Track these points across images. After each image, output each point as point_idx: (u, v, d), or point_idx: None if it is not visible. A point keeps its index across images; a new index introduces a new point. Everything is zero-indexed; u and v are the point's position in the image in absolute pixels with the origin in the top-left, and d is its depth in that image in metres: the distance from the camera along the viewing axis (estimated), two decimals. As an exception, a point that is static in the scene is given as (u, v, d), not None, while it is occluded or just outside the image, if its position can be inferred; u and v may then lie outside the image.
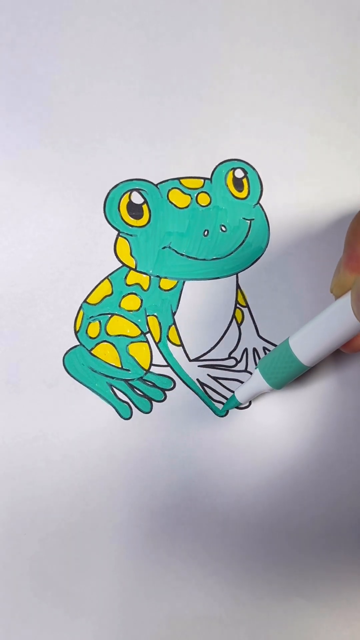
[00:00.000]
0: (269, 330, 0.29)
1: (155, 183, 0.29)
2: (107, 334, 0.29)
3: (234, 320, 0.29)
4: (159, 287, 0.29)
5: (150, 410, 0.28)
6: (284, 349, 0.25)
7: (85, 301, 0.29)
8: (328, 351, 0.25)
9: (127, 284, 0.29)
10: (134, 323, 0.29)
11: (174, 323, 0.29)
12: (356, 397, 0.29)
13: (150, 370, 0.29)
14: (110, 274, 0.29)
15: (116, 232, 0.29)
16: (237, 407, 0.28)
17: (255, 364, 0.29)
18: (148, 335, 0.29)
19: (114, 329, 0.29)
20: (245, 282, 0.29)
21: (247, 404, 0.28)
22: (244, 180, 0.29)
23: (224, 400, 0.28)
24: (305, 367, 0.25)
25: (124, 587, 0.28)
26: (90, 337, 0.29)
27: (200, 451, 0.28)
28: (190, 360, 0.29)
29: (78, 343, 0.29)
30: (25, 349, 0.28)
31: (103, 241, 0.29)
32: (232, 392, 0.28)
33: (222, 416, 0.28)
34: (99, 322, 0.29)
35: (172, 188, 0.29)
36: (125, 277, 0.29)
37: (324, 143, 0.29)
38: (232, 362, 0.29)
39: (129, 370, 0.29)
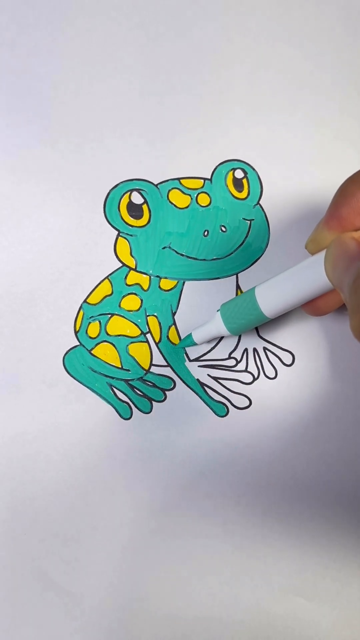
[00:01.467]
0: (269, 330, 0.29)
1: (155, 183, 0.29)
2: (107, 334, 0.29)
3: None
4: (159, 287, 0.29)
5: (150, 410, 0.28)
6: (249, 296, 0.25)
7: (85, 301, 0.29)
8: (291, 305, 0.24)
9: (127, 284, 0.29)
10: (134, 323, 0.29)
11: (174, 323, 0.29)
12: (356, 397, 0.29)
13: (150, 370, 0.29)
14: (110, 274, 0.29)
15: (116, 232, 0.29)
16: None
17: (256, 364, 0.29)
18: (148, 336, 0.29)
19: (114, 329, 0.29)
20: (245, 282, 0.29)
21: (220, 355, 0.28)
22: (244, 181, 0.29)
23: (224, 401, 0.28)
24: (266, 317, 0.25)
25: (124, 587, 0.28)
26: (90, 337, 0.29)
27: (200, 451, 0.28)
28: (190, 360, 0.29)
29: (78, 343, 0.29)
30: (25, 349, 0.28)
31: (103, 241, 0.29)
32: (232, 392, 0.29)
33: (222, 416, 0.28)
34: (99, 322, 0.29)
35: (172, 188, 0.29)
36: (125, 277, 0.29)
37: (324, 143, 0.29)
38: (232, 362, 0.29)
39: (129, 370, 0.29)
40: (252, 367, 0.29)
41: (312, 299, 0.24)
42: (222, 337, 0.29)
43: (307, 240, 0.25)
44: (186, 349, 0.29)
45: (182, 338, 0.28)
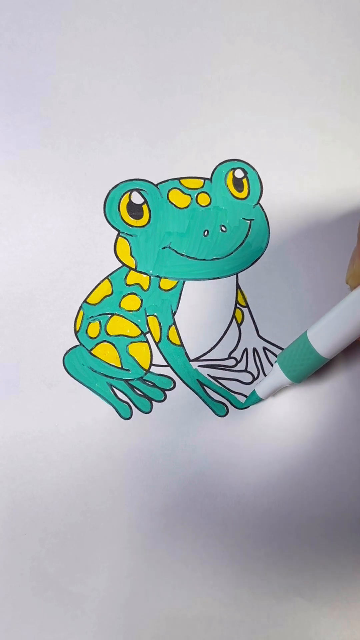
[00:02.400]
0: (269, 330, 0.29)
1: (155, 183, 0.29)
2: (107, 334, 0.29)
3: (234, 320, 0.29)
4: (159, 287, 0.29)
5: (150, 410, 0.28)
6: (303, 341, 0.25)
7: (85, 301, 0.29)
8: (346, 342, 0.25)
9: (127, 284, 0.29)
10: (134, 323, 0.29)
11: (174, 323, 0.29)
12: (356, 397, 0.29)
13: (150, 370, 0.29)
14: (110, 274, 0.29)
15: (116, 232, 0.29)
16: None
17: (256, 364, 0.29)
18: (148, 335, 0.29)
19: (114, 329, 0.29)
20: (245, 282, 0.29)
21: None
22: (244, 181, 0.29)
23: (224, 401, 0.28)
24: (324, 359, 0.25)
25: (124, 587, 0.28)
26: (90, 337, 0.29)
27: (200, 451, 0.28)
28: (190, 360, 0.29)
29: (78, 343, 0.29)
30: (25, 349, 0.28)
31: (103, 241, 0.29)
32: (232, 392, 0.29)
33: (222, 416, 0.28)
34: (99, 322, 0.29)
35: (172, 188, 0.29)
36: (125, 277, 0.29)
37: (324, 143, 0.29)
38: (232, 362, 0.29)
39: (129, 370, 0.29)
40: (252, 367, 0.29)
41: None
42: (221, 338, 0.29)
43: (347, 276, 0.25)
44: (186, 348, 0.29)
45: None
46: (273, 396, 0.28)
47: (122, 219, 0.29)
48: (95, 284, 0.29)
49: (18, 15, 0.29)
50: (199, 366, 0.29)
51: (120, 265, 0.29)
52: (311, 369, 0.26)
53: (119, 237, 0.29)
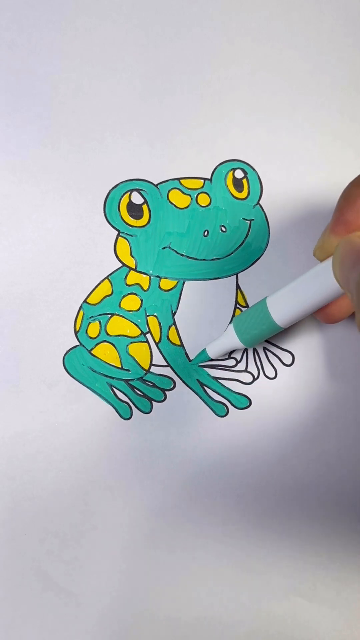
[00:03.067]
0: (269, 330, 0.29)
1: (155, 183, 0.29)
2: (107, 334, 0.29)
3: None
4: (159, 287, 0.29)
5: (150, 410, 0.28)
6: (261, 307, 0.25)
7: (85, 301, 0.29)
8: (304, 314, 0.25)
9: (127, 284, 0.29)
10: (134, 323, 0.29)
11: (174, 323, 0.29)
12: (356, 397, 0.29)
13: (150, 370, 0.29)
14: (110, 274, 0.29)
15: (116, 232, 0.29)
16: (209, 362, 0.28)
17: (256, 364, 0.29)
18: (148, 336, 0.29)
19: (114, 329, 0.29)
20: (245, 282, 0.29)
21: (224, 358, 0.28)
22: (244, 181, 0.29)
23: (224, 401, 0.28)
24: (279, 327, 0.25)
25: (124, 587, 0.28)
26: (90, 337, 0.29)
27: (200, 451, 0.28)
28: (190, 360, 0.29)
29: (78, 343, 0.29)
30: (25, 349, 0.28)
31: (103, 241, 0.29)
32: (232, 392, 0.29)
33: (222, 416, 0.28)
34: (99, 322, 0.29)
35: (172, 188, 0.29)
36: (125, 277, 0.29)
37: (324, 143, 0.29)
38: (232, 362, 0.29)
39: (129, 370, 0.29)
40: (252, 367, 0.29)
41: (323, 305, 0.24)
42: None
43: (315, 247, 0.25)
44: (186, 348, 0.29)
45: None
46: (222, 357, 0.28)
47: (122, 219, 0.29)
48: (95, 284, 0.29)
49: (18, 15, 0.29)
50: (199, 366, 0.29)
51: (120, 265, 0.29)
52: (264, 335, 0.26)
53: (119, 237, 0.29)
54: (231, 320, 0.28)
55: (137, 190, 0.29)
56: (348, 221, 0.23)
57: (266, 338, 0.26)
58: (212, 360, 0.28)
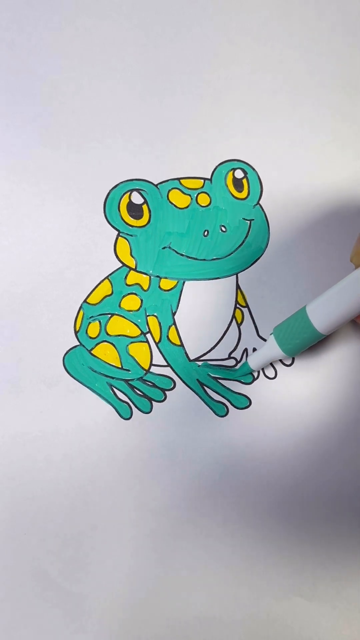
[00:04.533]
0: (269, 330, 0.29)
1: (155, 183, 0.29)
2: (107, 334, 0.29)
3: (234, 320, 0.29)
4: (159, 287, 0.29)
5: (150, 410, 0.28)
6: (301, 315, 0.25)
7: (85, 301, 0.29)
8: (345, 319, 0.25)
9: (127, 284, 0.29)
10: (134, 323, 0.29)
11: (174, 323, 0.29)
12: (356, 397, 0.29)
13: (150, 370, 0.29)
14: (110, 274, 0.29)
15: (116, 232, 0.29)
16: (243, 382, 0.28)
17: (255, 364, 0.29)
18: (148, 335, 0.29)
19: (114, 329, 0.29)
20: (245, 282, 0.29)
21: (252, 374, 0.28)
22: (244, 181, 0.29)
23: (224, 401, 0.28)
24: (321, 334, 0.25)
25: (124, 587, 0.28)
26: (90, 337, 0.29)
27: (200, 451, 0.28)
28: (190, 360, 0.29)
29: (78, 343, 0.29)
30: (25, 349, 0.28)
31: (103, 241, 0.29)
32: (232, 392, 0.29)
33: (222, 416, 0.28)
34: (99, 322, 0.29)
35: (172, 188, 0.29)
36: (125, 277, 0.29)
37: (324, 143, 0.29)
38: (232, 362, 0.29)
39: (129, 370, 0.29)
40: (252, 367, 0.29)
41: None
42: (221, 338, 0.29)
43: (352, 253, 0.25)
44: (186, 348, 0.29)
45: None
46: (264, 368, 0.28)
47: (122, 219, 0.29)
48: (95, 284, 0.29)
49: (18, 15, 0.29)
50: (199, 366, 0.29)
51: (120, 265, 0.29)
52: (306, 343, 0.26)
53: (119, 237, 0.29)
54: (269, 332, 0.28)
55: (137, 190, 0.29)
56: None
57: (309, 346, 0.26)
58: (212, 360, 0.28)
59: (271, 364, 0.29)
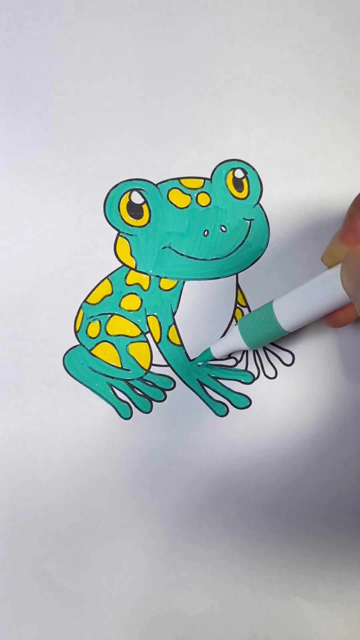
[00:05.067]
0: (269, 330, 0.29)
1: (155, 183, 0.29)
2: (107, 333, 0.29)
3: (234, 320, 0.29)
4: (159, 287, 0.29)
5: (150, 410, 0.28)
6: (267, 310, 0.25)
7: (85, 301, 0.29)
8: (310, 319, 0.25)
9: (127, 284, 0.29)
10: (134, 323, 0.29)
11: (174, 323, 0.29)
12: (356, 397, 0.29)
13: (150, 370, 0.29)
14: (110, 274, 0.29)
15: (116, 232, 0.29)
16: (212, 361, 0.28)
17: (256, 364, 0.29)
18: (148, 335, 0.29)
19: (114, 329, 0.29)
20: (245, 282, 0.29)
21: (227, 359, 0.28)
22: (244, 181, 0.29)
23: (224, 400, 0.28)
24: (284, 331, 0.25)
25: (123, 587, 0.28)
26: (90, 337, 0.29)
27: (200, 451, 0.28)
28: (190, 360, 0.29)
29: (78, 343, 0.29)
30: (25, 349, 0.28)
31: (103, 241, 0.29)
32: (232, 392, 0.29)
33: (222, 416, 0.28)
34: (99, 322, 0.29)
35: (172, 188, 0.29)
36: (125, 277, 0.29)
37: (324, 143, 0.29)
38: (232, 362, 0.29)
39: (129, 370, 0.29)
40: (252, 367, 0.29)
41: (329, 312, 0.24)
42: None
43: (323, 253, 0.25)
44: (186, 348, 0.29)
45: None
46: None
47: (122, 218, 0.29)
48: (95, 284, 0.29)
49: (18, 15, 0.29)
50: (199, 366, 0.29)
51: (120, 265, 0.29)
52: (269, 338, 0.26)
53: (119, 237, 0.29)
54: (235, 321, 0.28)
55: (137, 190, 0.29)
56: (358, 230, 0.23)
57: (271, 341, 0.26)
58: (214, 360, 0.28)
59: (271, 364, 0.29)
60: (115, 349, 0.28)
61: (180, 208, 0.29)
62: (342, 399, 0.29)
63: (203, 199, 0.29)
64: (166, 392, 0.28)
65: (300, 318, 0.25)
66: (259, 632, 0.28)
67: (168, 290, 0.29)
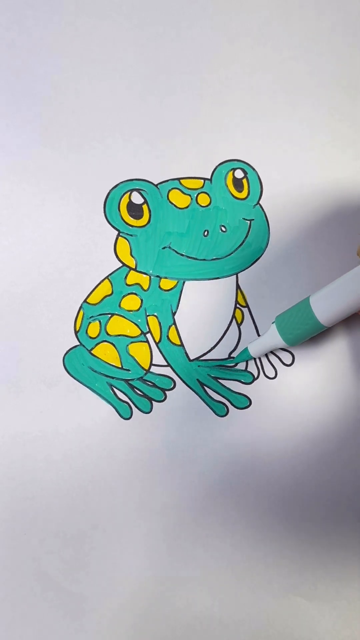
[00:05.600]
0: (269, 330, 0.29)
1: (155, 183, 0.29)
2: (107, 333, 0.29)
3: (234, 320, 0.29)
4: (159, 287, 0.29)
5: (150, 410, 0.28)
6: (304, 306, 0.26)
7: (85, 301, 0.29)
8: (347, 312, 0.25)
9: (127, 284, 0.29)
10: (134, 323, 0.29)
11: (174, 323, 0.29)
12: (356, 397, 0.29)
13: (150, 370, 0.29)
14: (110, 274, 0.29)
15: (116, 232, 0.29)
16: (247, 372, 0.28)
17: (255, 364, 0.29)
18: (148, 335, 0.29)
19: (114, 329, 0.29)
20: (245, 282, 0.29)
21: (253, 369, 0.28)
22: (244, 181, 0.29)
23: (224, 401, 0.28)
24: (323, 326, 0.25)
25: (123, 587, 0.28)
26: (90, 337, 0.29)
27: (200, 451, 0.28)
28: (190, 360, 0.29)
29: (78, 343, 0.29)
30: (25, 349, 0.28)
31: (103, 241, 0.29)
32: (232, 392, 0.29)
33: (222, 416, 0.28)
34: (99, 322, 0.29)
35: (172, 188, 0.29)
36: (125, 277, 0.29)
37: (323, 143, 0.29)
38: (232, 362, 0.29)
39: (129, 370, 0.29)
40: (252, 367, 0.29)
41: None
42: (221, 338, 0.29)
43: (358, 248, 0.25)
44: (186, 348, 0.29)
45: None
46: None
47: (122, 219, 0.29)
48: (95, 284, 0.29)
49: (18, 15, 0.29)
50: (199, 366, 0.29)
51: (120, 265, 0.29)
52: (307, 334, 0.26)
53: (119, 237, 0.29)
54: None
55: (137, 190, 0.29)
56: None
57: (310, 337, 0.26)
58: (213, 360, 0.28)
59: (271, 364, 0.29)
60: (115, 349, 0.28)
61: (180, 208, 0.29)
62: (342, 399, 0.29)
63: (203, 199, 0.29)
64: (166, 392, 0.28)
65: (338, 312, 0.25)
66: (259, 632, 0.28)
67: (168, 290, 0.29)
